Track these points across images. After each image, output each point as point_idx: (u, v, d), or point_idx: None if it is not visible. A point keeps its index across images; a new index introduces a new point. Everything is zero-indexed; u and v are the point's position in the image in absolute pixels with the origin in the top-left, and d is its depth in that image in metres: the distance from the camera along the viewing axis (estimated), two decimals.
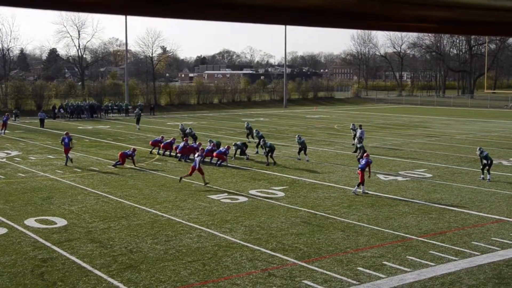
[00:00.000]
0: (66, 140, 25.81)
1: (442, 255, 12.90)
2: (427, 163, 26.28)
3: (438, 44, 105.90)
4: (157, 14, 1.57)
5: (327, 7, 1.37)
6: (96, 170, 24.37)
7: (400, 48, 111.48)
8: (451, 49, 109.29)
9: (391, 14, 1.37)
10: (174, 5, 1.47)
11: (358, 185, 19.58)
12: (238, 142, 28.12)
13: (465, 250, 13.28)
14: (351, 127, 35.39)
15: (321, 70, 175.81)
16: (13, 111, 54.00)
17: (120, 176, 23.04)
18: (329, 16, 1.42)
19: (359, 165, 19.94)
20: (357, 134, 30.07)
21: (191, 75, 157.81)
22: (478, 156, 22.59)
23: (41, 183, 21.41)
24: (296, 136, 28.46)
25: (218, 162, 25.39)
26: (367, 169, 19.59)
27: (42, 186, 20.83)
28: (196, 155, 22.37)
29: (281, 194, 19.50)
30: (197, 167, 20.76)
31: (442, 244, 13.72)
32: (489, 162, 22.04)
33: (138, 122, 43.31)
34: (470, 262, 12.47)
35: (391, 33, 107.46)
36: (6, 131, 38.88)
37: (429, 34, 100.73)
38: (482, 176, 22.28)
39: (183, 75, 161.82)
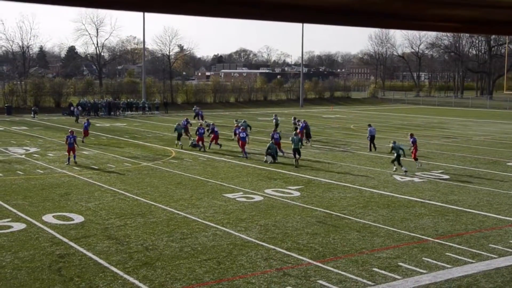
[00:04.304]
0: (71, 140, 24.96)
1: (459, 257, 12.77)
2: (444, 164, 26.03)
3: (457, 45, 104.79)
4: (175, 11, 1.57)
5: (350, 6, 1.35)
6: (113, 168, 24.55)
7: (418, 48, 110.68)
8: (470, 50, 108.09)
9: (415, 14, 1.36)
10: (194, 3, 1.47)
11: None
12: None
13: (482, 252, 13.12)
14: (292, 121, 38.03)
15: (338, 70, 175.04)
16: (32, 108, 54.68)
17: (137, 173, 23.19)
18: (352, 15, 1.41)
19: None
20: (368, 133, 30.81)
21: (208, 73, 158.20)
22: (391, 147, 24.62)
23: (59, 180, 21.63)
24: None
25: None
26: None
27: (60, 183, 21.04)
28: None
29: (297, 193, 19.46)
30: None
31: (459, 246, 13.58)
32: (398, 154, 23.69)
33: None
34: (487, 265, 12.32)
35: (409, 33, 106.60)
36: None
37: (448, 34, 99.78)
38: (395, 168, 23.72)
39: (199, 74, 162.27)
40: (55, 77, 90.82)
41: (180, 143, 30.79)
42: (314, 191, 19.84)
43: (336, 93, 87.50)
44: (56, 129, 40.80)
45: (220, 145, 30.43)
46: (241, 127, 30.70)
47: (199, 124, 33.18)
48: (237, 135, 30.44)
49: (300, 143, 26.69)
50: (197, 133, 30.47)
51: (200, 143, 30.00)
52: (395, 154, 23.65)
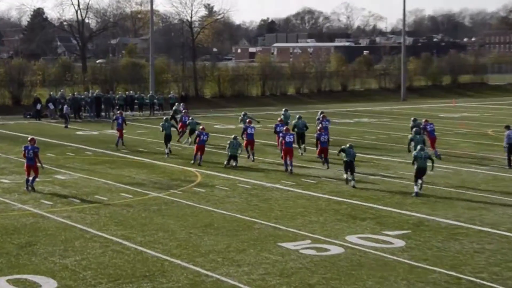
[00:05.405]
0: (30, 153, 25.97)
1: None
2: None
3: None
4: None
5: None
6: (104, 200, 24.79)
7: None
8: None
9: None
10: None
11: None
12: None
13: None
14: (317, 116, 40.57)
15: (465, 40, 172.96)
16: None
17: (142, 210, 23.31)
18: None
19: None
20: (505, 140, 31.34)
21: (252, 50, 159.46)
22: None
23: (18, 221, 21.89)
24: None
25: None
26: None
27: (19, 226, 21.30)
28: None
29: (400, 243, 19.32)
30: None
31: None
32: (348, 161, 26.27)
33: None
34: None
35: None
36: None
37: None
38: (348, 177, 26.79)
39: (239, 50, 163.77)
40: (13, 57, 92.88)
41: (167, 150, 35.41)
42: (429, 240, 19.63)
43: (462, 78, 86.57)
44: (14, 140, 41.53)
45: (253, 155, 33.65)
46: (247, 120, 35.33)
47: (183, 111, 39.16)
48: (245, 132, 34.14)
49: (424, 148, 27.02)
50: (181, 120, 36.26)
51: (182, 131, 35.98)
52: (345, 160, 26.34)
